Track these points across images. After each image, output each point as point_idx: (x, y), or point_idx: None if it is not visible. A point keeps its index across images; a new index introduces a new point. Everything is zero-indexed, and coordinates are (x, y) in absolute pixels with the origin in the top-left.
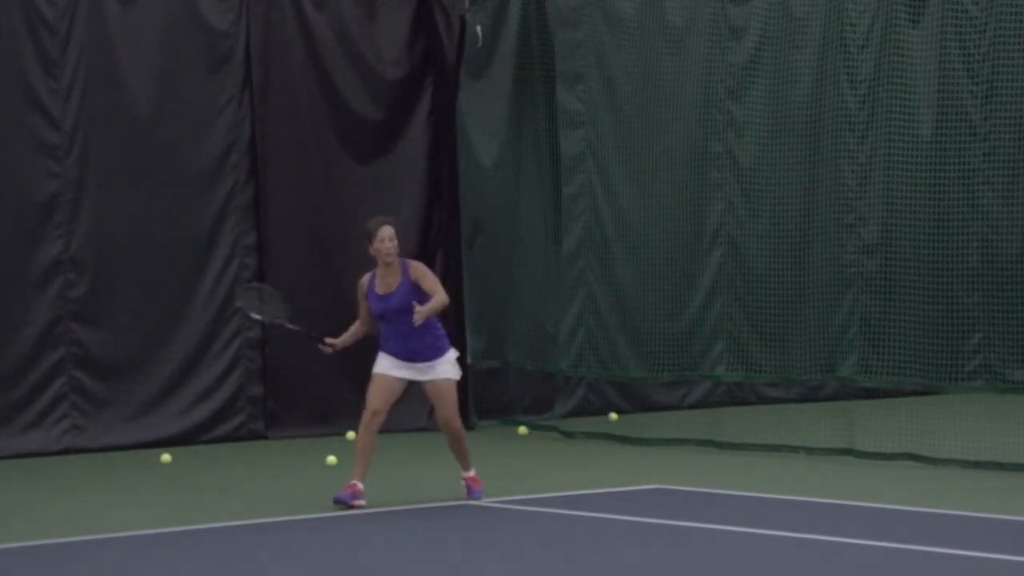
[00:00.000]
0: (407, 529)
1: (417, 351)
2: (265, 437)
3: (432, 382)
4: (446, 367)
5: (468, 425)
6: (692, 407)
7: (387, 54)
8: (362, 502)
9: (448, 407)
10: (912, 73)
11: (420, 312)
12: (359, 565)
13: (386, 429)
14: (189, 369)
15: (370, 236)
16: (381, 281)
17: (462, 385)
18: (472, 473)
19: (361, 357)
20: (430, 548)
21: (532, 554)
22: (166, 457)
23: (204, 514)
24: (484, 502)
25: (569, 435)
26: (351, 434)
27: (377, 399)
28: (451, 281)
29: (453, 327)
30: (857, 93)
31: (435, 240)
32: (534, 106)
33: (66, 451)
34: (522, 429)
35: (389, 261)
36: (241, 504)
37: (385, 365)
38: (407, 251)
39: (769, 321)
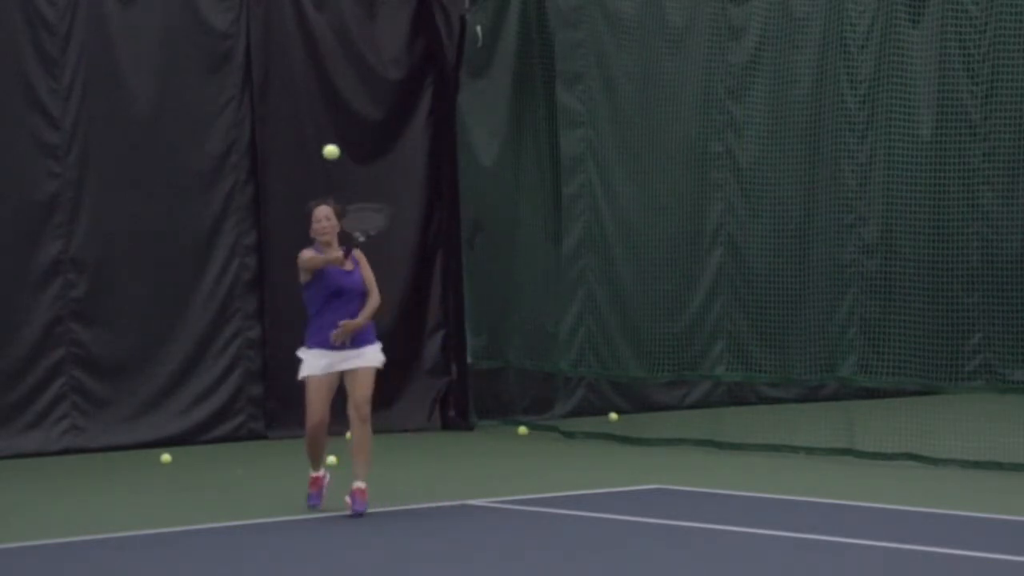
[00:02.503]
0: (407, 529)
1: (359, 336)
2: (265, 437)
3: (355, 369)
4: (372, 354)
5: (468, 425)
6: (692, 407)
7: (387, 54)
8: (326, 480)
9: (364, 389)
10: (912, 73)
11: (352, 324)
12: (359, 565)
13: (386, 429)
14: (189, 369)
15: (308, 218)
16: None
17: (462, 385)
18: (364, 485)
19: None
20: (430, 548)
21: (532, 554)
22: (166, 457)
23: (204, 514)
24: (484, 502)
25: (569, 435)
26: (350, 435)
27: (319, 409)
28: (451, 281)
29: (453, 327)
30: (857, 93)
31: (435, 240)
32: (534, 106)
33: (66, 451)
34: (522, 429)
35: (326, 240)
36: (241, 504)
37: (314, 365)
38: (407, 251)
39: (769, 321)
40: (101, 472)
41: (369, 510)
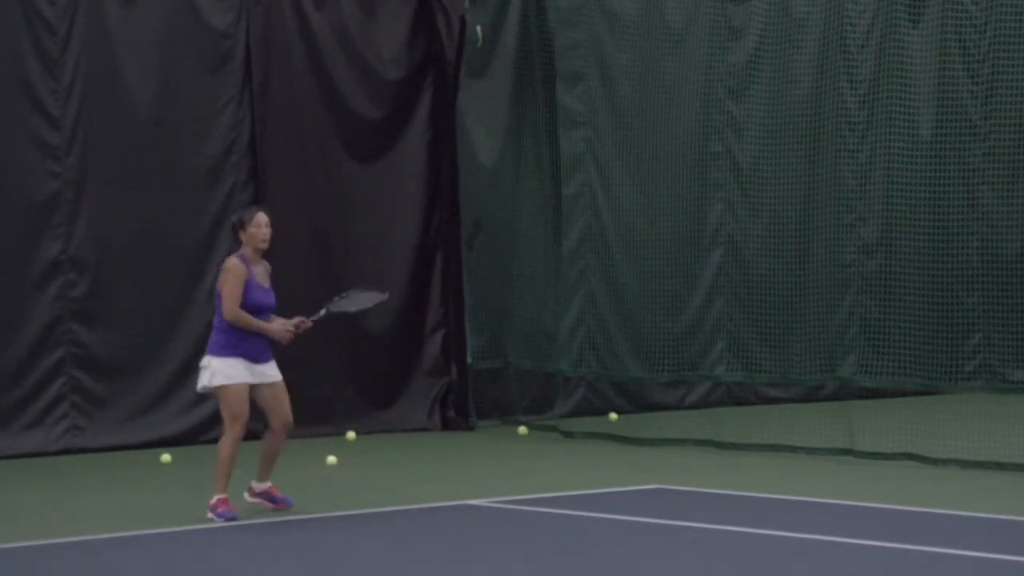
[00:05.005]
0: (407, 529)
1: (267, 350)
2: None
3: (272, 384)
4: (276, 368)
5: (468, 425)
6: (692, 407)
7: (387, 54)
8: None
9: (288, 408)
10: (912, 73)
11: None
12: (359, 565)
13: (386, 429)
14: (189, 369)
15: (242, 223)
16: (256, 271)
17: (462, 385)
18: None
19: (361, 357)
20: (430, 548)
21: (532, 554)
22: (166, 457)
23: (204, 514)
24: (484, 502)
25: (569, 435)
26: (351, 434)
27: (245, 409)
28: (451, 281)
29: (453, 327)
30: (857, 93)
31: (435, 240)
32: (534, 106)
33: (66, 451)
34: (522, 429)
35: (264, 247)
36: (241, 504)
37: (232, 374)
38: (407, 251)
39: (769, 321)
40: (101, 472)
41: (369, 510)
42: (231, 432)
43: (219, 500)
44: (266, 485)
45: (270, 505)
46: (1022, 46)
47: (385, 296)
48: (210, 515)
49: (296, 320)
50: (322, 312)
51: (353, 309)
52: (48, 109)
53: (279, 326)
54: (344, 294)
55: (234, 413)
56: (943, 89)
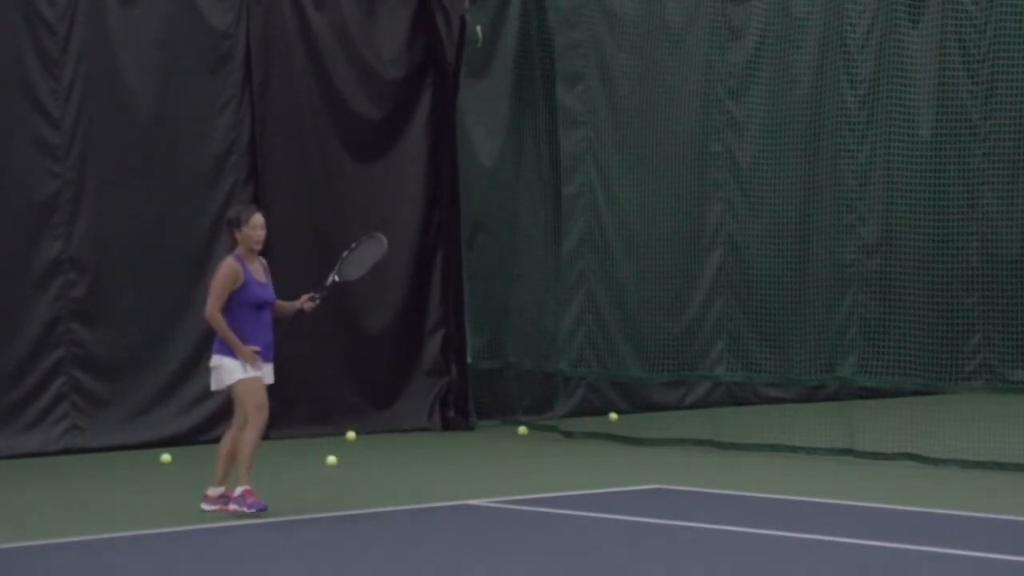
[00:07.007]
0: (407, 529)
1: (271, 347)
2: (265, 437)
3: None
4: (271, 369)
5: (468, 425)
6: (692, 407)
7: (387, 54)
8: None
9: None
10: (912, 73)
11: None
12: (359, 565)
13: (386, 429)
14: (189, 369)
15: (238, 222)
16: (253, 268)
17: (462, 385)
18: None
19: (362, 357)
20: (430, 548)
21: (532, 554)
22: (166, 457)
23: (204, 514)
24: (484, 502)
25: (569, 435)
26: (351, 434)
27: (266, 397)
28: (451, 281)
29: (453, 327)
30: (857, 93)
31: (435, 240)
32: (534, 106)
33: (66, 451)
34: (522, 429)
35: (258, 248)
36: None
37: (246, 369)
38: (407, 251)
39: (769, 321)
40: (101, 472)
41: (369, 510)
42: (255, 422)
43: (246, 491)
44: (221, 489)
45: (229, 508)
46: (1022, 46)
47: (384, 246)
48: (235, 507)
49: (303, 299)
50: (328, 283)
51: (356, 275)
52: (48, 109)
53: (248, 352)
54: (352, 245)
55: (257, 403)
56: (943, 89)
